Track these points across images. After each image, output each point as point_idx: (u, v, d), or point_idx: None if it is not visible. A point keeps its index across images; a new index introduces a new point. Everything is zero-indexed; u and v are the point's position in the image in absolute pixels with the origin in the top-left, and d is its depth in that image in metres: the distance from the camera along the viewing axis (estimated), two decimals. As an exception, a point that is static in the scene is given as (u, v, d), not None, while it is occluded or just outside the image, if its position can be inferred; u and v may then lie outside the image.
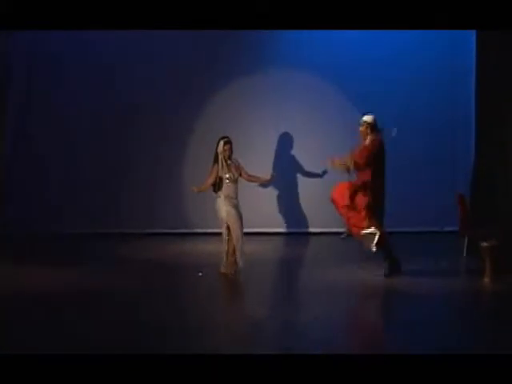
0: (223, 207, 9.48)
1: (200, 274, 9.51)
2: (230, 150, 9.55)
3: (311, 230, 13.16)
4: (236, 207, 9.51)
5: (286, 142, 13.14)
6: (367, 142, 9.45)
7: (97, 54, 12.91)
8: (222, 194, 9.52)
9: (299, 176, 13.18)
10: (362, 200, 9.21)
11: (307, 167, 13.09)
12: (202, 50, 12.95)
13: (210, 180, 9.56)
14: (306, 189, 13.13)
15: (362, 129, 9.54)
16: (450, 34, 12.50)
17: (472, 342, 6.70)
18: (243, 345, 6.62)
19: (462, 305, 8.30)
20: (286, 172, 12.91)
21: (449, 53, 12.98)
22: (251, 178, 9.92)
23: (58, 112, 12.90)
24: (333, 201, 9.32)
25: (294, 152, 13.19)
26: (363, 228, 9.17)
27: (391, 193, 12.37)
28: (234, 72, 13.01)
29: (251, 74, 13.05)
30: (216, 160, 9.55)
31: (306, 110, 13.05)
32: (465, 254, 9.89)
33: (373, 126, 9.51)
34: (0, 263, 10.25)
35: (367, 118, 9.55)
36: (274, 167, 12.81)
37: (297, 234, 13.09)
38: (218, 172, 9.50)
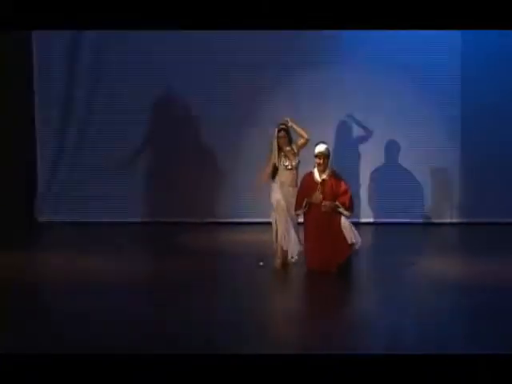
0: (275, 194, 9.44)
1: (261, 263, 9.47)
2: (286, 137, 9.43)
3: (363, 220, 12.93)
4: (289, 197, 9.38)
5: (345, 139, 12.93)
6: (331, 178, 9.21)
7: (150, 50, 12.84)
8: (277, 180, 9.46)
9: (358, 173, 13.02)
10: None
11: (366, 165, 12.98)
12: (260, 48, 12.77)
13: (268, 169, 9.53)
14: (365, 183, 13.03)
15: (320, 161, 9.18)
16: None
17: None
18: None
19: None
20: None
21: (497, 51, 12.66)
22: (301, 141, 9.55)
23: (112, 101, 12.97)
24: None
25: (353, 149, 13.00)
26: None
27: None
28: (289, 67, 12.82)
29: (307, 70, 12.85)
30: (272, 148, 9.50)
31: (366, 107, 12.84)
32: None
33: (328, 156, 9.23)
34: (58, 250, 10.54)
35: (323, 149, 9.23)
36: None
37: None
38: (272, 160, 9.45)
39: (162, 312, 7.45)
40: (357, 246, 9.13)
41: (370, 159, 12.94)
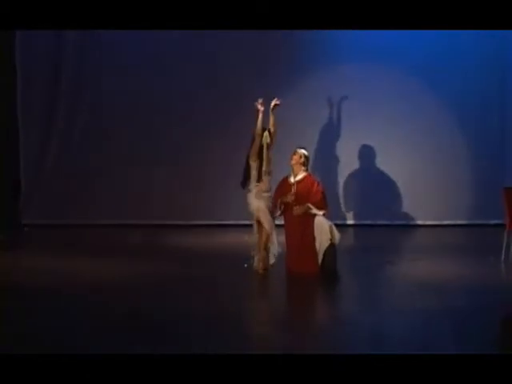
0: (253, 202, 9.20)
1: (246, 265, 9.41)
2: (272, 141, 9.20)
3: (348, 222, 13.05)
4: (267, 201, 9.19)
5: (327, 140, 12.97)
6: (306, 178, 9.19)
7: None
8: (253, 188, 9.22)
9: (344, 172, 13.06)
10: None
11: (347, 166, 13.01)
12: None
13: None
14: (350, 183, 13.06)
15: (298, 157, 9.18)
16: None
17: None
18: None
19: (503, 301, 8.05)
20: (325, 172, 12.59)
21: (499, 51, 12.81)
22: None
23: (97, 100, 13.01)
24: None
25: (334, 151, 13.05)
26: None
27: (440, 186, 12.80)
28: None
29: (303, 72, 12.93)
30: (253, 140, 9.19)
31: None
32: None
33: (307, 159, 9.27)
34: (39, 254, 10.44)
35: (303, 149, 9.29)
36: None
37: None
38: (258, 145, 9.11)
39: (150, 312, 7.44)
40: (336, 242, 9.05)
41: (350, 161, 12.98)
